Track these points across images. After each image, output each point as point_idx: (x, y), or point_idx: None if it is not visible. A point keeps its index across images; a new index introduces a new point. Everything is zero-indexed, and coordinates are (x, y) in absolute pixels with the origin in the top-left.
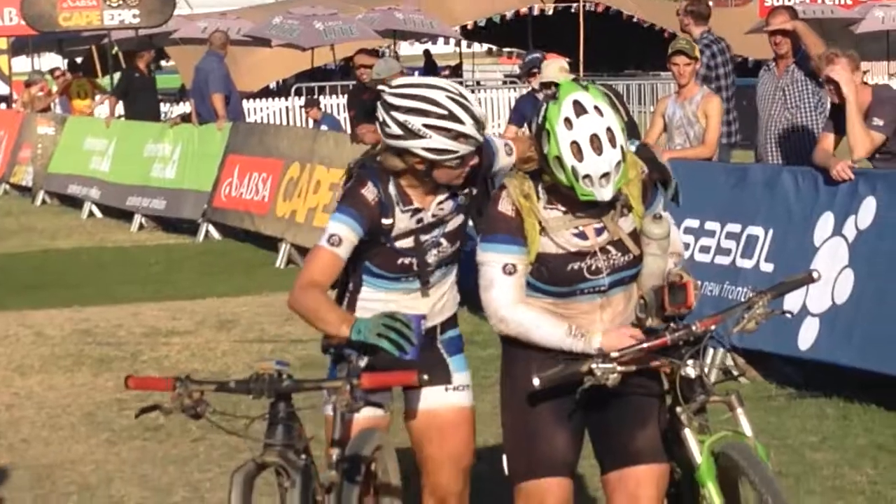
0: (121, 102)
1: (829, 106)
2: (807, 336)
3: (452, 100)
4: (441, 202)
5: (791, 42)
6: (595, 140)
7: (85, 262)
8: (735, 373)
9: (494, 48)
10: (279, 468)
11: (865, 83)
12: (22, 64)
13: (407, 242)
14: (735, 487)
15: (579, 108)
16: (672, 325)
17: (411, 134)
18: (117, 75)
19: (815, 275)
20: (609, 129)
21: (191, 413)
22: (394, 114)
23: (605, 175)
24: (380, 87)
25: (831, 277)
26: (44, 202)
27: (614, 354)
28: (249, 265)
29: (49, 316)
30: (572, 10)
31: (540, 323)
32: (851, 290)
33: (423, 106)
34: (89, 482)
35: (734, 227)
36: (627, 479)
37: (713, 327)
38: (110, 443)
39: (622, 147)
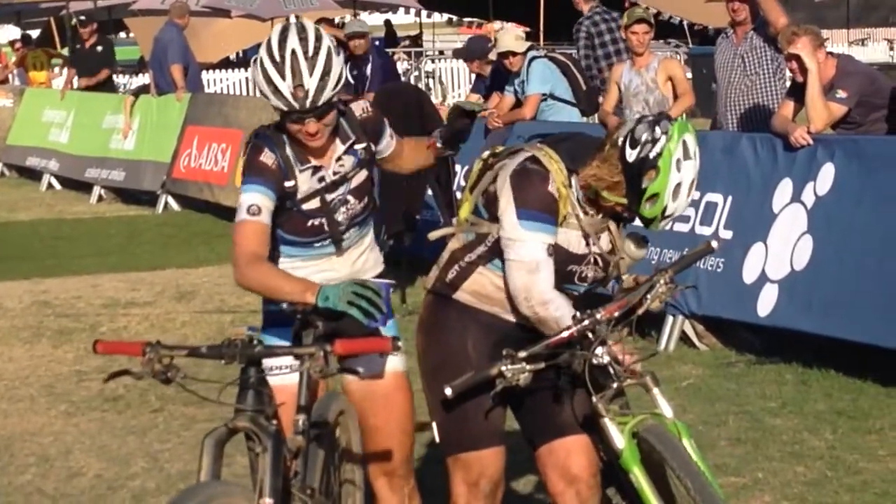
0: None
1: (788, 73)
2: (766, 303)
3: (294, 55)
4: (339, 158)
5: (749, 8)
6: (691, 187)
7: (44, 235)
8: (694, 340)
9: (455, 18)
10: (250, 433)
11: (830, 54)
12: None
13: (313, 203)
14: (662, 467)
15: (686, 152)
16: (576, 315)
17: (260, 71)
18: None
19: (713, 244)
20: (696, 175)
21: (161, 378)
22: (262, 50)
23: (671, 217)
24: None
25: (790, 244)
26: (2, 174)
27: (521, 355)
28: (209, 236)
29: (7, 288)
30: None
31: (566, 310)
32: (810, 257)
33: (273, 41)
34: (48, 453)
35: (693, 194)
36: (558, 450)
37: (616, 314)
38: (69, 414)
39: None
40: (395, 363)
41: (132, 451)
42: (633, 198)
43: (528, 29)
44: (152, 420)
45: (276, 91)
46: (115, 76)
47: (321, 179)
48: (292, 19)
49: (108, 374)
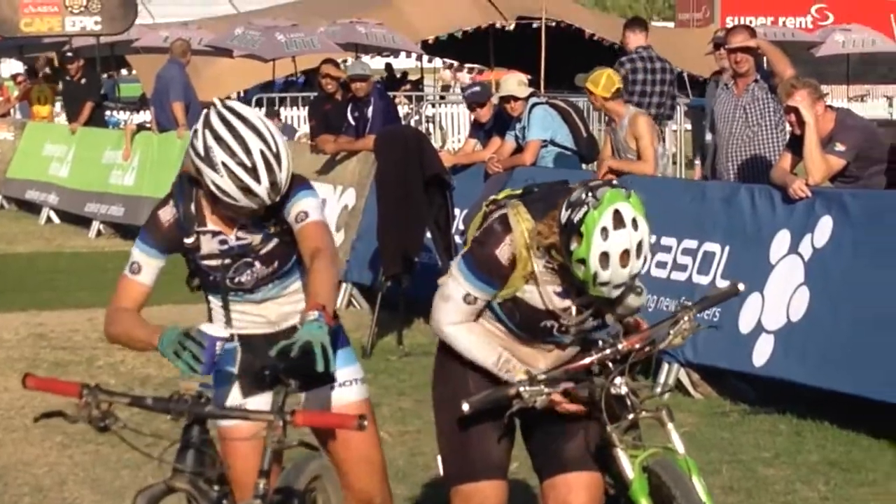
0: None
1: (789, 127)
2: (761, 353)
3: (264, 157)
4: (245, 229)
5: (752, 61)
6: (625, 256)
7: (42, 268)
8: (689, 388)
9: (455, 63)
10: (189, 496)
11: (829, 107)
12: None
13: (214, 262)
14: (671, 501)
15: (618, 221)
16: (599, 344)
17: (209, 161)
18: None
19: (740, 286)
20: (640, 244)
21: (97, 425)
22: (206, 132)
23: (622, 284)
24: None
25: (787, 295)
26: (1, 207)
27: (541, 377)
28: None
29: (4, 320)
30: (533, 27)
31: (472, 347)
32: (806, 308)
33: (233, 145)
34: (42, 484)
35: (691, 243)
36: (560, 486)
37: (638, 346)
38: (64, 446)
39: (646, 256)
40: (350, 393)
41: (126, 485)
42: (566, 258)
43: (529, 76)
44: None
45: (250, 192)
46: (112, 113)
47: (223, 242)
48: (231, 106)
49: (41, 413)
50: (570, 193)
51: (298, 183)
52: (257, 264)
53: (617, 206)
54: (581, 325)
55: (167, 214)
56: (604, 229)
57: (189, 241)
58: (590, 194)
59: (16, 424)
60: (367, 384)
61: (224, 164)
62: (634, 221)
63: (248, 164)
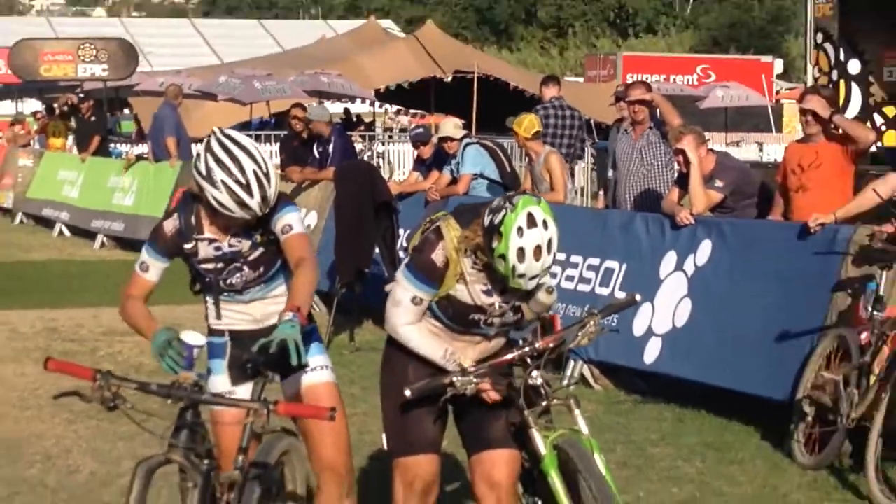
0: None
1: (677, 166)
2: (651, 352)
3: (256, 176)
4: (237, 237)
5: (647, 111)
6: (538, 251)
7: (54, 273)
8: (591, 381)
9: (402, 108)
10: (182, 468)
11: (711, 150)
12: (7, 107)
13: (208, 266)
14: (576, 474)
15: (531, 221)
16: (519, 342)
17: (209, 179)
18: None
19: (637, 297)
20: (550, 241)
21: (107, 405)
22: (208, 155)
23: (536, 276)
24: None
25: (673, 305)
26: (21, 222)
27: (471, 369)
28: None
29: (22, 316)
30: (467, 79)
31: (423, 345)
32: (689, 316)
33: (231, 165)
34: (51, 453)
35: (594, 261)
36: (485, 461)
37: (551, 344)
38: (69, 421)
39: (555, 253)
40: (319, 375)
41: (122, 454)
42: (490, 256)
43: (463, 121)
44: (138, 429)
45: (244, 205)
46: (115, 145)
47: (217, 249)
48: (229, 133)
49: (60, 392)
50: (490, 204)
51: (283, 200)
52: (246, 269)
53: (530, 210)
54: (503, 318)
55: (170, 225)
56: (519, 228)
57: (188, 246)
58: (507, 201)
59: (30, 403)
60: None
61: (223, 182)
62: (545, 222)
63: (243, 181)
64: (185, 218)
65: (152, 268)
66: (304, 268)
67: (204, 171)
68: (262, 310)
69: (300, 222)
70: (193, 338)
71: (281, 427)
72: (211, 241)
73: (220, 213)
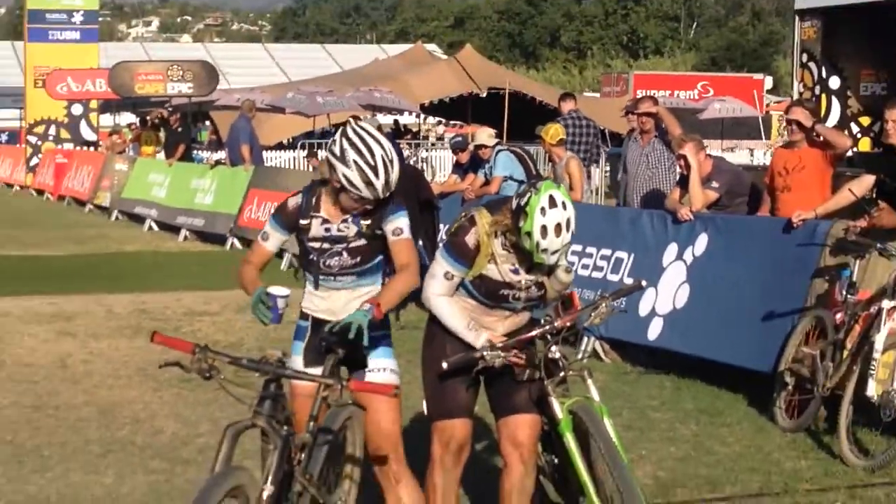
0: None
1: (678, 168)
2: (654, 330)
3: (383, 160)
4: (346, 222)
5: (653, 122)
6: (558, 228)
7: (144, 262)
8: (602, 355)
9: (444, 120)
10: (265, 432)
11: (708, 155)
12: (107, 120)
13: (316, 244)
14: (588, 435)
15: (553, 202)
16: (541, 322)
17: (342, 159)
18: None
19: (643, 283)
20: (569, 220)
21: (204, 375)
22: (343, 139)
23: (557, 251)
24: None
25: (674, 289)
26: (117, 218)
27: (499, 344)
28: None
29: (117, 298)
30: (500, 94)
31: (450, 314)
32: (687, 299)
33: (363, 149)
34: (139, 417)
35: (606, 252)
36: (510, 424)
37: (568, 324)
38: (155, 389)
39: (573, 230)
40: (378, 377)
41: (199, 417)
42: (517, 235)
43: (496, 130)
44: (215, 396)
45: (370, 185)
46: (197, 152)
47: (327, 230)
48: (362, 125)
49: (164, 362)
50: (518, 191)
51: (398, 203)
52: (345, 254)
53: (551, 193)
54: (528, 293)
55: (293, 202)
56: (542, 209)
57: (304, 222)
58: (531, 187)
59: (121, 373)
60: (399, 377)
61: (355, 161)
62: (564, 203)
63: (372, 163)
64: (307, 198)
65: (272, 238)
66: (405, 273)
67: (338, 153)
68: (344, 301)
69: (409, 228)
70: (278, 290)
71: (352, 401)
72: (324, 220)
73: (346, 193)
